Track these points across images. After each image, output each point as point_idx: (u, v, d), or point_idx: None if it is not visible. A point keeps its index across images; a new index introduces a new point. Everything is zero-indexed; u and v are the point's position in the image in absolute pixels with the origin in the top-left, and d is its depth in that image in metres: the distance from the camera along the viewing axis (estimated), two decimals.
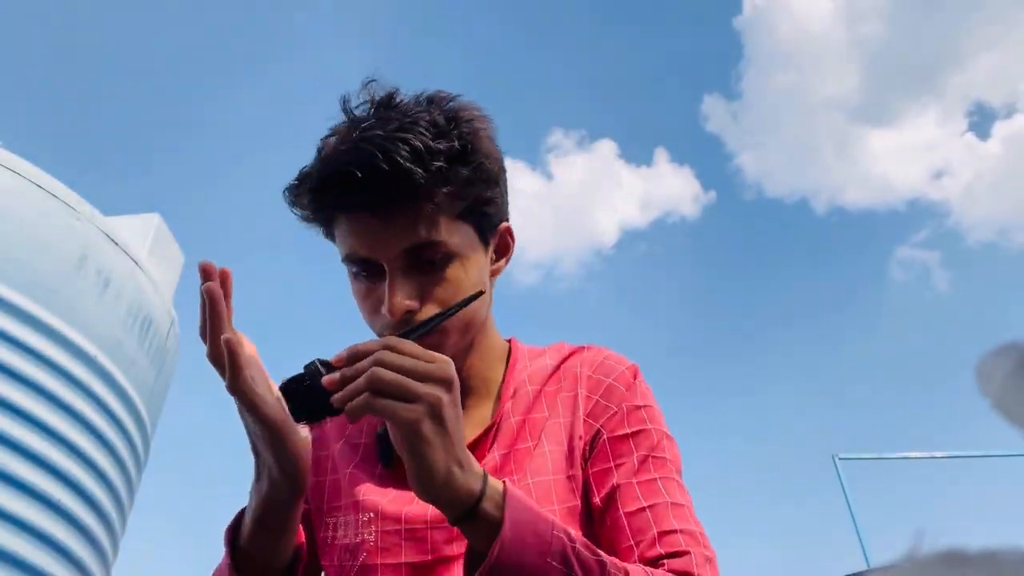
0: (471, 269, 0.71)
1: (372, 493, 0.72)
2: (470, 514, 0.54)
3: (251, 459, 0.70)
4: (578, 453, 0.72)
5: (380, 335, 0.69)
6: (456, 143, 0.67)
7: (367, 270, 0.69)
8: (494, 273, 0.77)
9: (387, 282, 0.67)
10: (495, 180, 0.73)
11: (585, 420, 0.73)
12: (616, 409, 0.74)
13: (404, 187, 0.65)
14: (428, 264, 0.68)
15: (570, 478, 0.71)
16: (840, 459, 6.08)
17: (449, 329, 0.69)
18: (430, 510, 0.68)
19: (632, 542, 0.66)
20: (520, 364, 0.81)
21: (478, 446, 0.74)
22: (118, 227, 2.56)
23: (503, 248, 0.79)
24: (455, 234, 0.69)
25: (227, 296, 0.57)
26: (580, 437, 0.73)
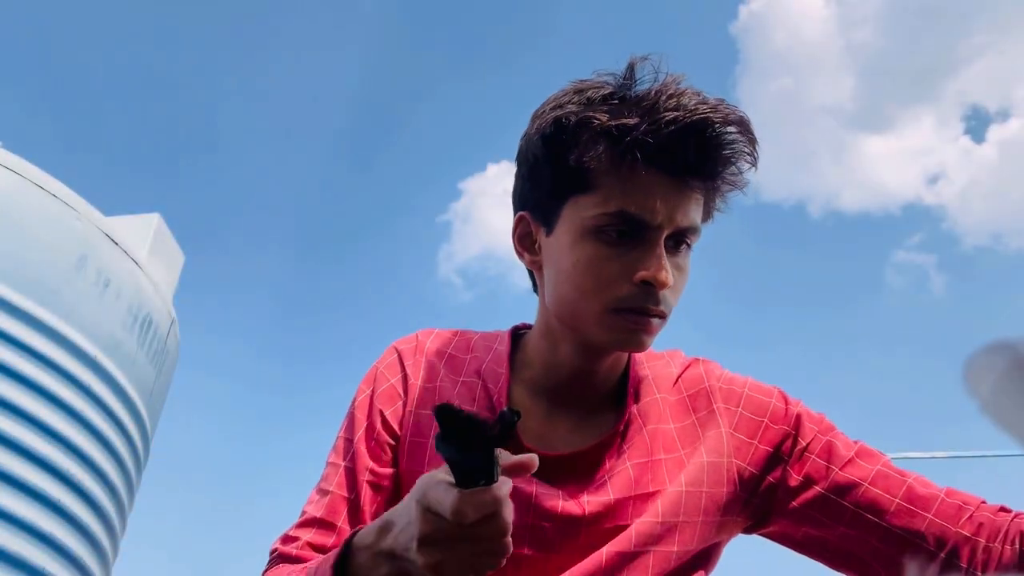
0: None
1: None
2: None
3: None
4: (726, 468, 0.72)
5: (613, 306, 0.66)
6: (755, 150, 0.68)
7: (628, 233, 0.65)
8: None
9: (655, 250, 0.65)
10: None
11: (728, 436, 0.73)
12: (778, 423, 0.74)
13: (725, 167, 0.66)
14: (678, 249, 0.68)
15: (710, 493, 0.71)
16: None
17: (666, 320, 0.69)
18: (560, 503, 0.68)
19: (973, 505, 0.68)
20: (639, 366, 0.78)
21: (604, 450, 0.71)
22: (118, 227, 2.57)
23: None
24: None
25: None
26: (731, 454, 0.72)
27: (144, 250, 2.85)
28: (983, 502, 0.69)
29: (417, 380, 0.76)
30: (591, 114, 0.65)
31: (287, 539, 0.70)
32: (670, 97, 0.64)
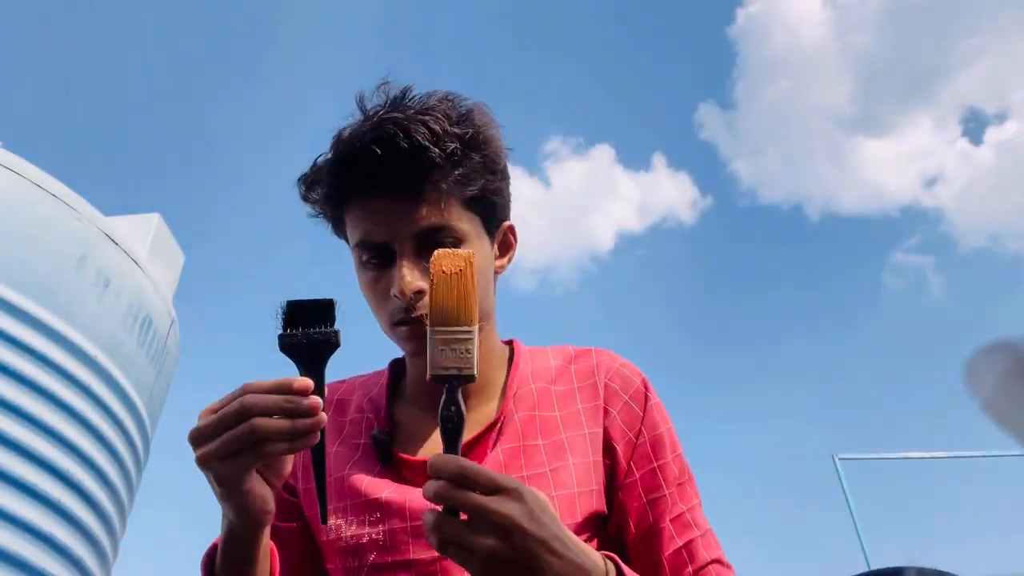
0: (480, 258, 0.72)
1: (374, 491, 0.73)
2: None
3: None
4: (601, 469, 0.74)
5: (390, 322, 0.72)
6: (469, 131, 0.71)
7: (377, 256, 0.71)
8: (497, 270, 0.79)
9: (397, 264, 0.69)
10: (502, 173, 0.76)
11: (605, 438, 0.75)
12: (638, 439, 0.76)
13: (420, 166, 0.68)
14: (437, 249, 0.69)
15: (592, 492, 0.73)
16: (840, 459, 6.07)
17: None
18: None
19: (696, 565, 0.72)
20: (523, 364, 0.81)
21: (479, 443, 0.75)
22: (118, 227, 2.56)
23: (506, 246, 0.81)
24: (464, 221, 0.72)
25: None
26: (603, 453, 0.75)
27: (144, 250, 2.85)
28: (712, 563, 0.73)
29: None
30: (307, 175, 0.76)
31: None
32: (357, 129, 0.70)
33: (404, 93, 0.72)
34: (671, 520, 0.73)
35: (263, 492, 0.59)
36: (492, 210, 0.77)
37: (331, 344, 0.57)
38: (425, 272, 0.68)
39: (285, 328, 0.57)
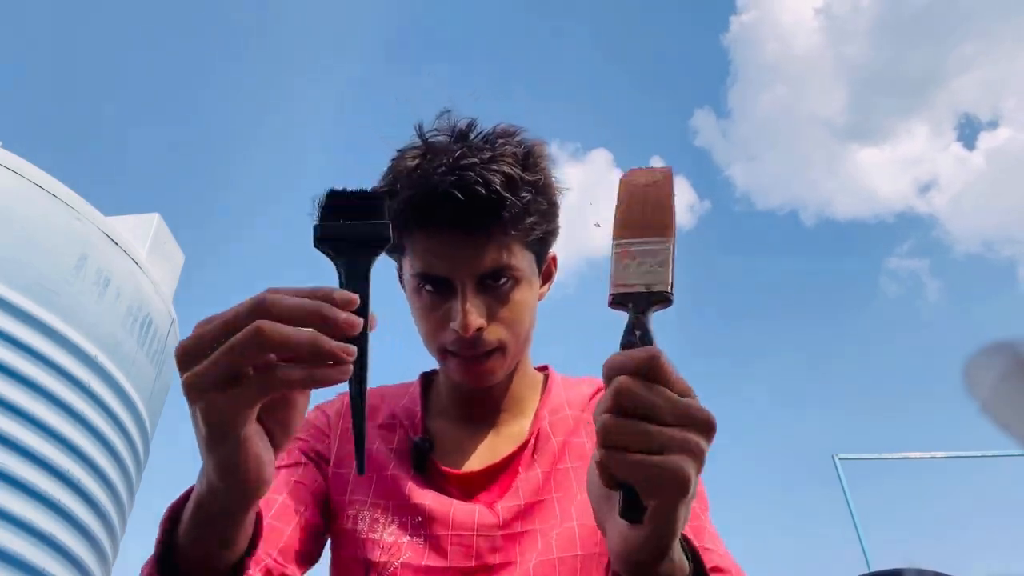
0: (531, 293, 0.77)
1: (417, 496, 0.74)
2: None
3: None
4: None
5: (443, 349, 0.75)
6: (540, 177, 0.74)
7: (437, 286, 0.73)
8: (539, 297, 0.82)
9: (459, 300, 0.71)
10: (559, 213, 0.80)
11: None
12: None
13: (495, 213, 0.70)
14: (497, 286, 0.73)
15: None
16: (840, 459, 6.08)
17: (510, 350, 0.75)
18: (476, 517, 0.71)
19: None
20: (556, 390, 0.84)
21: (514, 460, 0.77)
22: (118, 227, 2.56)
23: (548, 275, 0.84)
24: (523, 260, 0.75)
25: None
26: None
27: (144, 250, 2.85)
28: None
29: (339, 422, 0.82)
30: (385, 190, 0.73)
31: None
32: (428, 161, 0.71)
33: (470, 127, 0.74)
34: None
35: (260, 451, 0.44)
36: (546, 248, 0.80)
37: (382, 238, 0.45)
38: (486, 307, 0.72)
39: (323, 220, 0.45)
